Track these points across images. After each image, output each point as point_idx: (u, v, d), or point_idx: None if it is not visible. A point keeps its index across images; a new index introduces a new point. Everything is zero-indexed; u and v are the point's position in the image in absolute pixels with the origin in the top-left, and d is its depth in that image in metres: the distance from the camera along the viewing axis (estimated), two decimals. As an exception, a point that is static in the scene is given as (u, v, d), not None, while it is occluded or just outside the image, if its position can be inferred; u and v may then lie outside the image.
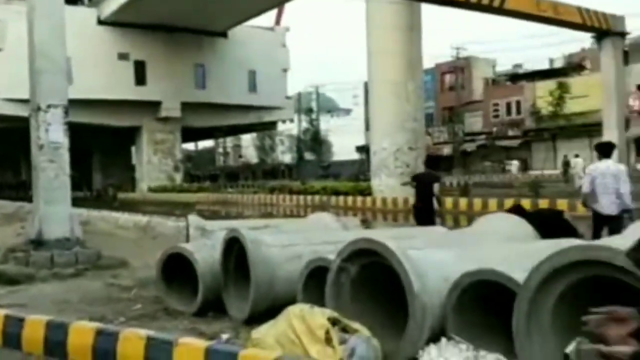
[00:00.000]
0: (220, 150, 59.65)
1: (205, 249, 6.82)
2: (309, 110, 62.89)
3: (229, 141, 62.65)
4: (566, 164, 31.10)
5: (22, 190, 45.26)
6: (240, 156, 68.02)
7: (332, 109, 69.46)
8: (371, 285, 4.70)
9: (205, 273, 6.33)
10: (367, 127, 38.78)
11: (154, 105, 42.63)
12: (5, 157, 59.62)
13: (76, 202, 9.83)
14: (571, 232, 6.54)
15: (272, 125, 53.80)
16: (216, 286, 6.39)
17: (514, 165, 47.36)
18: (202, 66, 44.79)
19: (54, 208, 9.20)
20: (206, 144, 71.06)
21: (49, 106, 9.18)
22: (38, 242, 9.06)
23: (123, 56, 41.80)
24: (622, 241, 4.26)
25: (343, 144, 63.66)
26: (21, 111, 32.83)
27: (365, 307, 4.63)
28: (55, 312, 5.78)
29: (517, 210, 7.50)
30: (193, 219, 8.56)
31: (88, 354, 4.74)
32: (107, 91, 39.52)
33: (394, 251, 4.19)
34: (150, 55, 42.09)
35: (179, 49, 42.52)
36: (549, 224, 6.31)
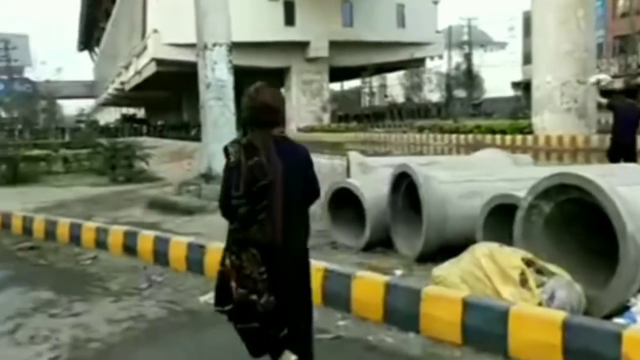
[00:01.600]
0: (366, 90, 59.19)
1: (370, 184, 6.65)
2: (464, 43, 59.36)
3: (375, 80, 61.93)
4: None
5: (184, 130, 48.76)
6: (385, 96, 67.04)
7: (485, 43, 65.40)
8: (566, 225, 4.21)
9: (372, 209, 6.17)
10: (526, 61, 36.16)
11: (303, 46, 42.97)
12: (168, 100, 64.46)
13: (235, 141, 10.17)
14: None
15: (421, 62, 52.13)
16: (382, 222, 6.21)
17: None
18: (349, 2, 44.09)
19: (221, 144, 9.54)
20: (351, 84, 71.07)
21: (214, 45, 9.45)
22: (208, 177, 9.53)
23: (273, -3, 42.30)
24: None
25: (495, 80, 60.16)
26: (182, 55, 34.85)
27: (559, 248, 4.16)
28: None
29: None
30: (354, 155, 8.42)
31: (266, 283, 4.81)
32: (257, 33, 40.36)
33: (602, 187, 3.65)
34: (298, -6, 42.09)
35: (327, -14, 42.07)
36: None
